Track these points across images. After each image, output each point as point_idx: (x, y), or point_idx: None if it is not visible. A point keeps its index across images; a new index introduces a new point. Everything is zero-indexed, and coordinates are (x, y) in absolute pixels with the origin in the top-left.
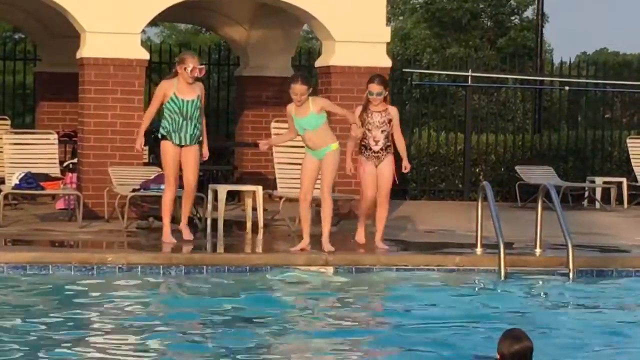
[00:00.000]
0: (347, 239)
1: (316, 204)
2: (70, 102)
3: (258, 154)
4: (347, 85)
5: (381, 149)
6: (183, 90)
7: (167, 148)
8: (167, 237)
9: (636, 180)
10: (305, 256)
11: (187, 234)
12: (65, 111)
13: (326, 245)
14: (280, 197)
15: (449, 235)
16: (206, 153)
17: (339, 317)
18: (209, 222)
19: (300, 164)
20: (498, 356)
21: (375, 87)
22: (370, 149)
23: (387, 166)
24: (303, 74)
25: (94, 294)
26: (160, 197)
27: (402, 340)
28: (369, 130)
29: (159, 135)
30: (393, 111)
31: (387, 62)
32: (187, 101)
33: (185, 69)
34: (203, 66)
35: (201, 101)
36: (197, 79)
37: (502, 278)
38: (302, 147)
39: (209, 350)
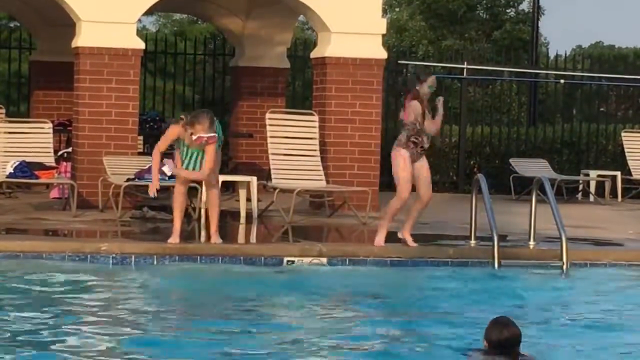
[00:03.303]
0: (342, 230)
1: (310, 194)
2: (65, 91)
3: (253, 145)
4: (343, 76)
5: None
6: (192, 142)
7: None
8: (175, 238)
9: (630, 174)
10: (299, 247)
11: (215, 240)
12: (60, 100)
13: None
14: (275, 188)
15: (443, 227)
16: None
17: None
18: (202, 212)
19: (295, 155)
20: (485, 343)
21: (434, 81)
22: (422, 147)
23: (425, 165)
24: None
25: (87, 283)
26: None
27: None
28: (422, 127)
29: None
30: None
31: (383, 54)
32: (194, 150)
33: (191, 134)
34: (213, 135)
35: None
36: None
37: (496, 270)
38: (296, 137)
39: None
